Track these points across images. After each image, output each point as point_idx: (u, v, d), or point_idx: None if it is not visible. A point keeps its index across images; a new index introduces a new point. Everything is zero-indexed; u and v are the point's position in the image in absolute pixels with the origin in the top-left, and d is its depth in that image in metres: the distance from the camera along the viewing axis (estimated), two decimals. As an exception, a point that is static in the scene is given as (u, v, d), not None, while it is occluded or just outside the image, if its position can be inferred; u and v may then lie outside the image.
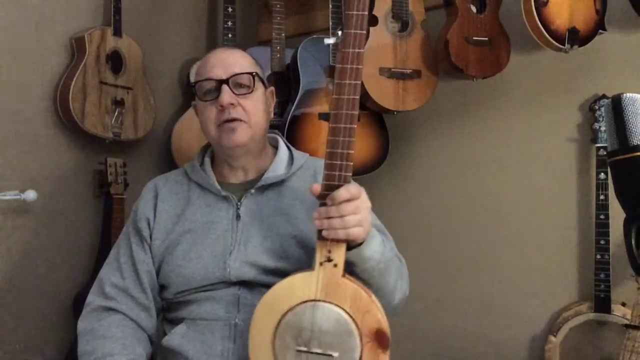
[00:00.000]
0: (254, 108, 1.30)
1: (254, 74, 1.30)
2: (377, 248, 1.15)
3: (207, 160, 1.38)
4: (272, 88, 1.40)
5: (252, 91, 1.30)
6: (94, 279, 1.88)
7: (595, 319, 1.72)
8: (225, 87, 1.26)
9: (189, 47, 2.35)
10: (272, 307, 1.09)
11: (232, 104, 1.26)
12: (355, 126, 1.08)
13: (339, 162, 1.07)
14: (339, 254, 1.08)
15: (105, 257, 1.86)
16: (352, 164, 1.08)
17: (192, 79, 2.13)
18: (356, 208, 1.07)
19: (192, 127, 2.12)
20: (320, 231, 1.08)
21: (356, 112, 1.08)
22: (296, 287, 1.09)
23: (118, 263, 1.34)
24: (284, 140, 1.43)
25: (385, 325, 1.07)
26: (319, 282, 1.07)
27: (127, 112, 1.99)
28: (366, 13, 1.09)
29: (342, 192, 1.06)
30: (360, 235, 1.09)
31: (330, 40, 1.19)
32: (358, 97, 1.08)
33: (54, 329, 1.88)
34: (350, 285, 1.07)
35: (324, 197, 1.08)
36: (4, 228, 1.77)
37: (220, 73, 1.28)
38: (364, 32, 1.08)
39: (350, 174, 1.09)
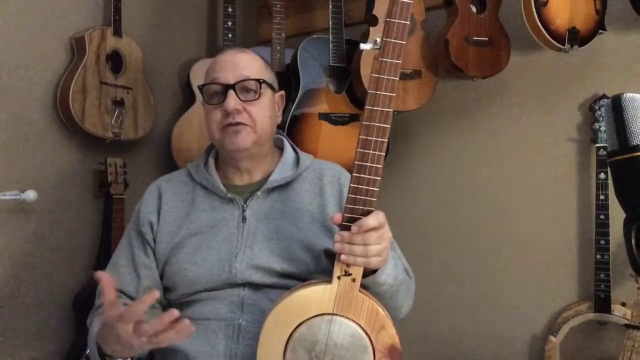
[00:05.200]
0: (260, 114, 1.28)
1: (261, 80, 1.28)
2: (391, 272, 1.15)
3: (211, 161, 1.37)
4: (283, 92, 1.39)
5: (258, 97, 1.28)
6: (94, 279, 1.89)
7: (595, 319, 1.72)
8: (231, 92, 1.25)
9: (188, 47, 2.35)
10: (285, 318, 1.08)
11: (237, 110, 1.25)
12: (387, 140, 1.05)
13: (364, 187, 1.05)
14: (358, 270, 1.07)
15: (105, 257, 1.87)
16: (378, 189, 1.05)
17: (193, 78, 2.15)
18: (380, 237, 1.06)
19: (192, 127, 2.12)
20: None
21: (388, 126, 1.04)
22: (312, 299, 1.07)
23: (117, 266, 1.33)
24: (289, 142, 1.41)
25: (397, 341, 1.07)
26: (336, 295, 1.07)
27: (127, 112, 1.99)
28: (408, 23, 1.04)
29: (371, 220, 1.04)
30: (378, 265, 1.09)
31: (366, 46, 1.15)
32: (392, 110, 1.05)
33: (54, 328, 1.88)
34: (367, 301, 1.07)
35: (349, 220, 1.05)
36: (4, 228, 1.77)
37: (227, 77, 1.26)
38: (404, 42, 1.04)
39: (376, 199, 1.06)
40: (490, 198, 2.01)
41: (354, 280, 1.07)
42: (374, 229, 1.05)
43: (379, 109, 1.04)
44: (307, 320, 1.07)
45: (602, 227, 1.70)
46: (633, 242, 1.20)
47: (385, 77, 1.05)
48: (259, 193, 1.30)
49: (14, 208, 1.78)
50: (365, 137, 1.04)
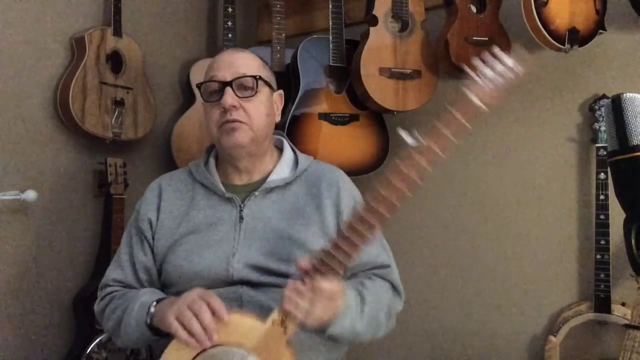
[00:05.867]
0: (256, 111, 1.29)
1: (257, 77, 1.30)
2: (347, 326, 1.14)
3: (211, 160, 1.38)
4: (281, 91, 1.40)
5: (255, 94, 1.29)
6: (94, 279, 1.90)
7: (595, 319, 1.72)
8: (228, 89, 1.26)
9: (189, 47, 2.35)
10: None
11: (234, 106, 1.26)
12: (376, 227, 1.05)
13: (345, 249, 1.04)
14: (293, 324, 1.06)
15: (105, 257, 1.87)
16: (356, 256, 1.05)
17: (193, 78, 2.15)
18: (328, 307, 1.07)
19: (192, 127, 2.12)
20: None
21: (385, 215, 1.05)
22: (241, 328, 1.07)
23: (120, 262, 1.36)
24: (288, 143, 1.43)
25: None
26: (263, 337, 1.06)
27: (127, 112, 1.99)
28: (455, 141, 1.03)
29: (326, 285, 1.04)
30: (317, 326, 1.09)
31: (408, 139, 1.13)
32: (398, 204, 1.06)
33: (54, 329, 1.88)
34: (287, 358, 1.06)
35: (307, 274, 1.05)
36: (4, 228, 1.77)
37: (224, 75, 1.28)
38: (443, 156, 1.04)
39: (342, 275, 1.06)
40: (490, 198, 2.01)
41: (285, 331, 1.05)
42: (326, 295, 1.05)
43: (390, 199, 1.05)
44: (226, 343, 1.06)
45: (602, 227, 1.70)
46: (633, 242, 1.21)
47: (410, 174, 1.05)
48: (256, 193, 1.31)
49: (14, 208, 1.78)
50: (368, 210, 1.04)
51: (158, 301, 1.20)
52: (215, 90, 1.29)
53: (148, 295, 1.23)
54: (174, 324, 1.07)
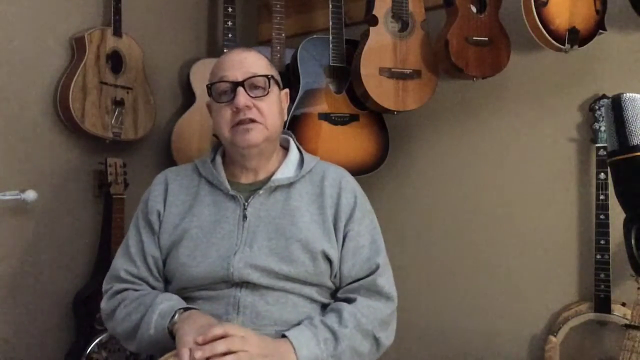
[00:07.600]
0: (269, 110, 1.30)
1: (269, 76, 1.31)
2: None
3: (218, 158, 1.38)
4: (287, 90, 1.41)
5: (267, 93, 1.30)
6: (94, 279, 1.90)
7: (595, 319, 1.72)
8: (240, 89, 1.27)
9: (189, 47, 2.35)
10: None
11: (247, 106, 1.27)
12: None
13: None
14: None
15: (105, 257, 1.87)
16: None
17: (193, 78, 2.15)
18: None
19: (192, 127, 2.12)
20: None
21: None
22: None
23: (130, 254, 1.34)
24: (295, 142, 1.43)
25: None
26: None
27: (127, 112, 1.99)
28: None
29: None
30: None
31: None
32: None
33: (54, 329, 1.88)
34: None
35: None
36: (4, 228, 1.77)
37: (236, 75, 1.28)
38: None
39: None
40: (490, 198, 2.01)
41: None
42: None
43: None
44: None
45: (602, 227, 1.70)
46: (633, 242, 1.20)
47: None
48: (260, 192, 1.31)
49: (14, 208, 1.78)
50: None
51: (186, 309, 1.20)
52: (227, 90, 1.29)
53: (168, 303, 1.22)
54: (185, 354, 1.06)
